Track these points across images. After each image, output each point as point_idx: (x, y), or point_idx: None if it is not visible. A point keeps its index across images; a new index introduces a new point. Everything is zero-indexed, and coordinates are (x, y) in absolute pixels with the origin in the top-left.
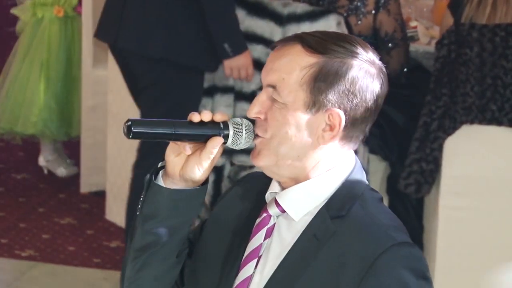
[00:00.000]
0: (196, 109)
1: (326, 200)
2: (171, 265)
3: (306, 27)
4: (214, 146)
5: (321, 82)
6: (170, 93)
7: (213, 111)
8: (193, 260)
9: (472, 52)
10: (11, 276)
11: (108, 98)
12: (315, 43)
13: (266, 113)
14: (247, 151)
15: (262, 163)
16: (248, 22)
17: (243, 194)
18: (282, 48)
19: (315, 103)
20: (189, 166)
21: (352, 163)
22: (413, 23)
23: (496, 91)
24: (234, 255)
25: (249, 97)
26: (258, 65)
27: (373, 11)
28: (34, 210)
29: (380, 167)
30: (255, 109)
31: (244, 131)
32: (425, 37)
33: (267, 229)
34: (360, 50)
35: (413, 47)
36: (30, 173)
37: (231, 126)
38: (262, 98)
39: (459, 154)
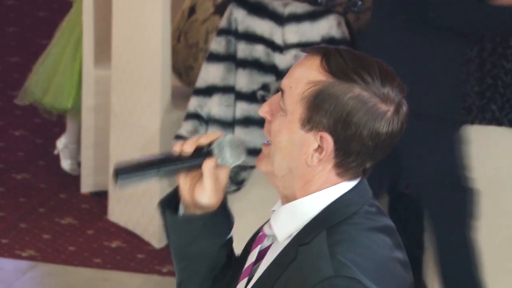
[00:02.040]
0: None
1: (303, 225)
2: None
3: (306, 27)
4: (208, 169)
5: (320, 102)
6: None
7: (212, 110)
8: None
9: (472, 52)
10: (12, 276)
11: (111, 98)
12: (333, 62)
13: (273, 115)
14: (248, 151)
15: (262, 168)
16: (248, 21)
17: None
18: (307, 56)
19: (309, 121)
20: (195, 192)
21: (347, 187)
22: None
23: (496, 91)
24: (240, 272)
25: (250, 97)
26: (258, 65)
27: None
28: (34, 210)
29: None
30: (265, 108)
31: (227, 149)
32: None
33: (261, 249)
34: (376, 82)
35: None
36: (31, 173)
37: (215, 148)
38: (273, 99)
39: None
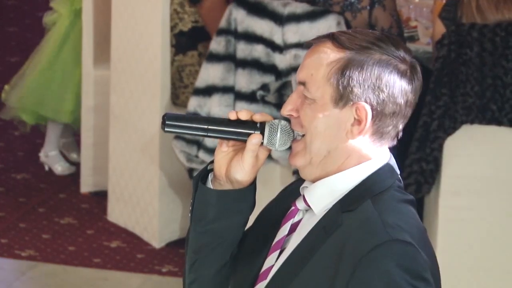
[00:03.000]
0: None
1: (344, 195)
2: (225, 265)
3: (306, 27)
4: (253, 144)
5: (347, 76)
6: None
7: (211, 110)
8: (237, 251)
9: (472, 52)
10: (11, 276)
11: (111, 98)
12: (345, 39)
13: (299, 110)
14: None
15: (298, 163)
16: (248, 22)
17: (294, 188)
18: (314, 46)
19: (341, 97)
20: (232, 166)
21: (383, 161)
22: (413, 23)
23: (496, 91)
24: (267, 245)
25: (249, 97)
26: (258, 65)
27: (368, 7)
28: (34, 210)
29: None
30: (288, 107)
31: (278, 132)
32: (425, 37)
33: (293, 223)
34: (390, 46)
35: (413, 47)
36: (30, 173)
37: (267, 126)
38: (294, 96)
39: (459, 154)
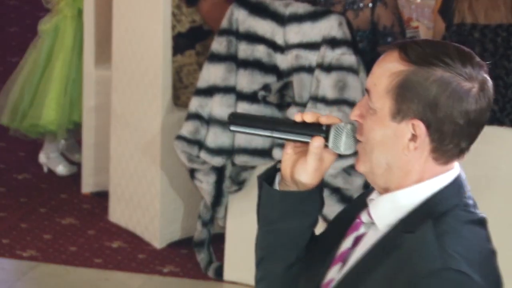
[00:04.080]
0: None
1: (406, 214)
2: (292, 265)
3: (308, 27)
4: (315, 147)
5: (405, 91)
6: None
7: (213, 111)
8: (306, 253)
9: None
10: (12, 276)
11: (112, 98)
12: (411, 51)
13: (364, 117)
14: (248, 151)
15: (361, 168)
16: (249, 22)
17: (365, 196)
18: (385, 54)
19: (399, 111)
20: (296, 167)
21: (448, 179)
22: (414, 24)
23: (497, 91)
24: (331, 254)
25: (250, 98)
26: (259, 65)
27: (370, 5)
28: (35, 210)
29: None
30: (354, 112)
31: (344, 135)
32: (426, 38)
33: (357, 236)
34: (456, 63)
35: None
36: (32, 173)
37: (332, 129)
38: (362, 102)
39: None
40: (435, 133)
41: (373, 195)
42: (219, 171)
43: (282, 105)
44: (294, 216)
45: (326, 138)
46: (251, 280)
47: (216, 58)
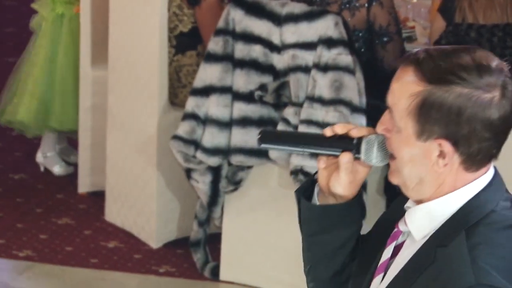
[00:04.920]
0: None
1: (440, 226)
2: (338, 273)
3: (304, 27)
4: (344, 162)
5: (426, 112)
6: None
7: (209, 110)
8: (354, 260)
9: None
10: (9, 277)
11: (109, 99)
12: (427, 69)
13: (389, 131)
14: (244, 151)
15: (394, 181)
16: (246, 22)
17: (402, 201)
18: (401, 68)
19: (423, 132)
20: (331, 181)
21: (482, 184)
22: (410, 23)
23: None
24: (374, 262)
25: (247, 98)
26: (256, 65)
27: (366, 4)
28: (31, 210)
29: (377, 167)
30: (380, 127)
31: (375, 148)
32: (423, 37)
33: (396, 245)
34: (473, 76)
35: (411, 47)
36: (28, 174)
37: (364, 142)
38: (385, 117)
39: None
40: (463, 148)
41: (409, 203)
42: (216, 171)
43: (279, 105)
44: (335, 228)
45: (358, 150)
46: (247, 280)
47: (213, 58)
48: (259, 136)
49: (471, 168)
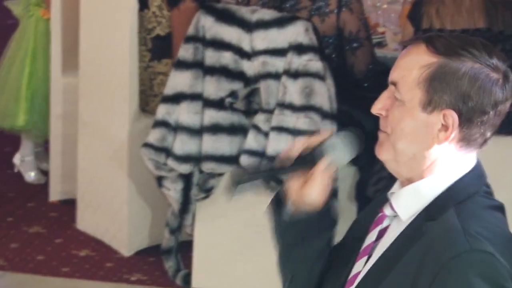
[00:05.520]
0: None
1: (429, 203)
2: (318, 275)
3: (274, 34)
4: (317, 174)
5: (437, 82)
6: None
7: (180, 118)
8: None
9: None
10: None
11: (79, 106)
12: (439, 44)
13: (388, 109)
14: (216, 158)
15: (383, 156)
16: (216, 28)
17: (381, 198)
18: (409, 47)
19: (430, 102)
20: (303, 191)
21: (469, 167)
22: (381, 29)
23: None
24: (356, 252)
25: (217, 105)
26: (226, 72)
27: (336, 10)
28: (2, 219)
29: (349, 173)
30: (378, 106)
31: (338, 149)
32: (393, 43)
33: (381, 229)
34: (483, 54)
35: (381, 52)
36: None
37: (328, 147)
38: (385, 96)
39: None
40: (466, 123)
41: (394, 189)
42: (187, 179)
43: (249, 112)
44: (309, 238)
45: (322, 158)
46: (219, 287)
47: (183, 65)
48: (233, 185)
49: (465, 149)
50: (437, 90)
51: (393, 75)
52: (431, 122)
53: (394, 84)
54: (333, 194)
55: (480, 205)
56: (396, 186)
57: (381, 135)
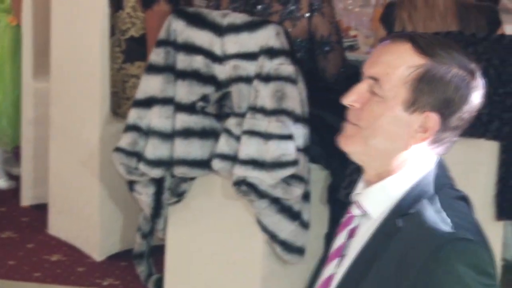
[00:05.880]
0: None
1: (400, 198)
2: None
3: (245, 38)
4: None
5: (425, 84)
6: None
7: (151, 122)
8: None
9: None
10: None
11: (51, 110)
12: (425, 45)
13: (363, 103)
14: (188, 163)
15: (350, 148)
16: (187, 32)
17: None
18: (392, 44)
19: (414, 103)
20: None
21: (433, 162)
22: (353, 32)
23: None
24: (325, 255)
25: (189, 109)
26: (198, 76)
27: (307, 14)
28: None
29: (321, 176)
30: (352, 97)
31: None
32: (365, 46)
33: (350, 229)
34: (464, 59)
35: (353, 56)
36: None
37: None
38: (361, 88)
39: None
40: (443, 127)
41: (358, 189)
42: (158, 183)
43: (221, 116)
44: None
45: None
46: None
47: (154, 69)
48: None
49: (435, 149)
50: (424, 92)
51: (375, 70)
52: (411, 122)
53: (375, 79)
54: (306, 197)
55: (449, 196)
56: (360, 186)
57: (349, 127)
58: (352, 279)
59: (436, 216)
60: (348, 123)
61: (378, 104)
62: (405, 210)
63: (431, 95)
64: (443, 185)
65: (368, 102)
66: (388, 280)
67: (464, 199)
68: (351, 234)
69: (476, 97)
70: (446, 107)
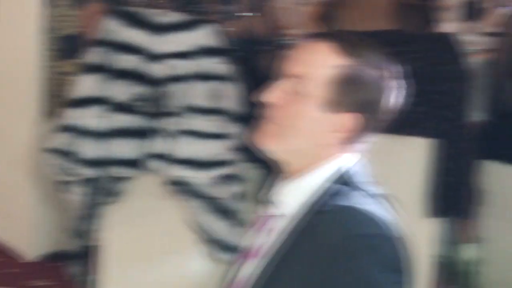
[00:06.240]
0: None
1: (316, 196)
2: None
3: (183, 36)
4: None
5: (347, 86)
6: None
7: (86, 122)
8: None
9: None
10: None
11: None
12: (349, 46)
13: (284, 101)
14: (123, 162)
15: (269, 146)
16: (123, 32)
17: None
18: (316, 43)
19: (335, 103)
20: None
21: (352, 161)
22: (291, 31)
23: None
24: (241, 254)
25: (125, 108)
26: (134, 75)
27: (246, 13)
28: None
29: (256, 176)
30: (274, 94)
31: None
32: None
33: (267, 229)
34: (385, 60)
35: None
36: None
37: None
38: (283, 86)
39: None
40: (363, 127)
41: (274, 190)
42: (93, 183)
43: (158, 115)
44: None
45: None
46: None
47: (89, 69)
48: None
49: (355, 147)
50: (345, 92)
51: (298, 69)
52: (330, 122)
53: (297, 77)
54: (242, 196)
55: (366, 194)
56: (278, 185)
57: (268, 125)
58: (268, 278)
59: (346, 212)
60: (267, 120)
61: (298, 102)
62: (320, 207)
63: (352, 95)
64: (361, 183)
65: (289, 100)
66: (304, 276)
67: (381, 196)
68: (268, 234)
69: (396, 97)
70: (366, 108)
